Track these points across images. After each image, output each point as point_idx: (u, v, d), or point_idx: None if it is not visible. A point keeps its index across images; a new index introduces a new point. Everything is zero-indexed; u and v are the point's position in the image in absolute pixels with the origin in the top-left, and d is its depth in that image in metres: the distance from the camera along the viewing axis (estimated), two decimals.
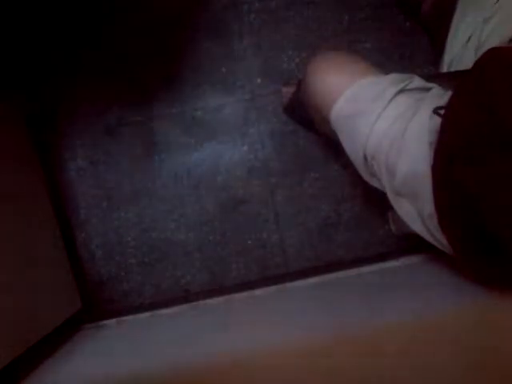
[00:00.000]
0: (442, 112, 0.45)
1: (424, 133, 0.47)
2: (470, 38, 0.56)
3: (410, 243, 1.00)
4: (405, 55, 1.02)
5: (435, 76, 0.59)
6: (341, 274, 0.90)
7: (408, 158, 0.49)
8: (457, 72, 0.58)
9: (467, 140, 0.40)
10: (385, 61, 1.01)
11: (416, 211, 0.51)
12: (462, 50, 0.58)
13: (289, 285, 0.92)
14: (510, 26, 0.52)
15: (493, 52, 0.42)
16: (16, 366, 0.69)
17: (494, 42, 0.53)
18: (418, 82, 0.54)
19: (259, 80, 1.03)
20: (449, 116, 0.44)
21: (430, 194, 0.47)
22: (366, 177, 0.59)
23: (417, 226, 0.53)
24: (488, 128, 0.38)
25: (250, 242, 1.04)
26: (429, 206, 0.48)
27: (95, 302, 1.03)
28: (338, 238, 1.04)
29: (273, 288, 0.92)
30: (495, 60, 0.41)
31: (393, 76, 0.55)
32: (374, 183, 0.59)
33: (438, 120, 0.46)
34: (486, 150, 0.38)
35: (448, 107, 0.45)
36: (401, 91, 0.53)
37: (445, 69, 0.61)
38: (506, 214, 0.38)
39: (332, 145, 0.99)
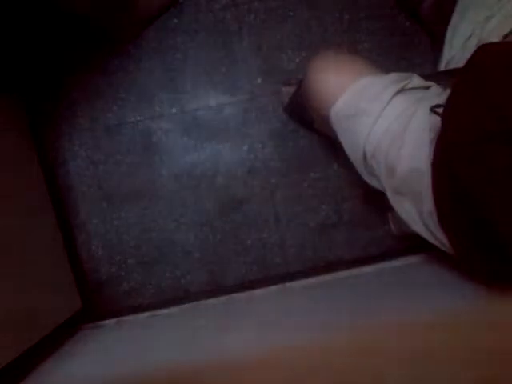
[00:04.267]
0: (439, 110, 0.45)
1: (424, 131, 0.47)
2: (469, 37, 0.56)
3: (410, 243, 1.00)
4: (404, 55, 1.02)
5: (434, 75, 0.59)
6: (341, 274, 0.90)
7: (408, 156, 0.49)
8: (454, 70, 0.58)
9: (467, 137, 0.40)
10: (385, 61, 1.01)
11: (416, 210, 0.51)
12: (461, 49, 0.57)
13: (289, 285, 0.92)
14: (510, 25, 0.52)
15: (485, 48, 0.42)
16: (16, 366, 0.69)
17: (495, 39, 0.52)
18: (417, 80, 0.54)
19: (259, 80, 1.03)
20: (448, 114, 0.44)
21: (430, 192, 0.47)
22: (365, 176, 0.59)
23: (417, 226, 0.53)
24: (487, 123, 0.38)
25: (249, 242, 1.04)
26: (429, 204, 0.48)
27: (95, 302, 1.03)
28: (338, 238, 1.04)
29: (273, 288, 0.92)
30: (489, 56, 0.41)
31: (392, 75, 0.55)
32: (373, 183, 0.59)
33: (437, 118, 0.46)
34: (487, 146, 0.38)
35: (447, 105, 0.45)
36: (400, 90, 0.53)
37: (442, 67, 0.61)
38: (506, 210, 0.38)
39: (332, 145, 0.99)
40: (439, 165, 0.45)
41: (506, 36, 0.51)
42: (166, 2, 0.99)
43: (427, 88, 0.54)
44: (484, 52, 0.42)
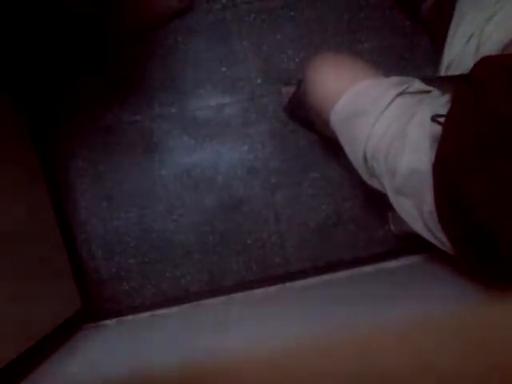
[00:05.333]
0: (440, 119, 0.45)
1: (425, 133, 0.47)
2: (470, 38, 0.56)
3: (410, 243, 1.00)
4: (404, 55, 1.02)
5: (434, 79, 0.59)
6: (341, 274, 0.90)
7: (408, 157, 0.49)
8: (455, 76, 0.58)
9: (469, 146, 0.40)
10: (385, 61, 1.01)
11: (416, 210, 0.51)
12: (461, 50, 0.57)
13: (289, 285, 0.92)
14: (510, 26, 0.52)
15: (486, 61, 0.43)
16: (16, 365, 0.69)
17: (495, 42, 0.52)
18: (418, 85, 0.54)
19: (259, 80, 1.03)
20: (449, 124, 0.44)
21: (431, 192, 0.47)
22: (365, 177, 0.59)
23: (417, 225, 0.53)
24: (488, 135, 0.38)
25: (249, 242, 1.04)
26: (429, 204, 0.48)
27: (95, 302, 1.03)
28: (338, 238, 1.04)
29: (273, 288, 0.92)
30: (490, 68, 0.41)
31: (393, 78, 0.55)
32: (373, 184, 0.59)
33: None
34: (487, 157, 0.38)
35: (448, 116, 0.45)
36: (401, 93, 0.53)
37: (443, 69, 0.61)
38: (505, 215, 0.38)
39: (332, 145, 0.99)
40: (440, 168, 0.45)
41: (505, 46, 0.51)
42: (175, 9, 0.99)
43: (428, 92, 0.54)
44: (485, 65, 0.42)
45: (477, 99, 0.41)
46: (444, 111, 0.45)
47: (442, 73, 0.61)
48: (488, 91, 0.39)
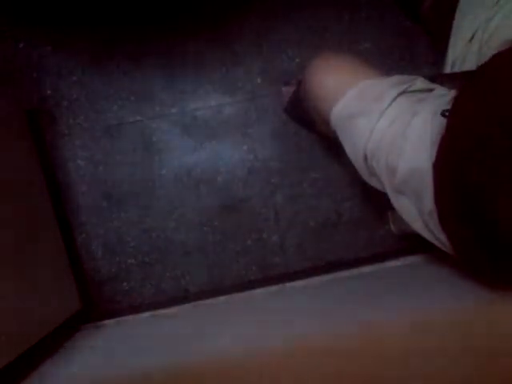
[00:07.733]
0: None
1: (426, 132, 0.47)
2: (472, 37, 0.56)
3: (410, 243, 1.00)
4: (405, 55, 1.02)
5: (438, 77, 0.59)
6: (341, 274, 0.90)
7: (409, 156, 0.49)
8: (461, 73, 0.58)
9: (477, 140, 0.40)
10: (385, 61, 1.01)
11: (416, 209, 0.51)
12: (464, 49, 0.57)
13: (289, 285, 0.92)
14: (511, 25, 0.52)
15: (502, 55, 0.42)
16: (16, 365, 0.69)
17: (497, 41, 0.52)
18: (420, 83, 0.54)
19: (259, 80, 1.03)
20: (456, 116, 0.44)
21: (431, 192, 0.47)
22: (365, 177, 0.59)
23: (417, 225, 0.53)
24: (499, 128, 0.38)
25: (249, 242, 1.04)
26: (429, 204, 0.48)
27: (95, 302, 1.03)
28: (338, 237, 1.04)
29: (273, 288, 0.92)
30: (505, 61, 0.41)
31: (395, 77, 0.55)
32: (373, 183, 0.59)
33: (440, 120, 0.46)
34: (494, 150, 0.38)
35: (455, 107, 0.44)
36: (402, 93, 0.53)
37: (448, 69, 0.61)
38: (507, 210, 0.38)
39: (332, 145, 0.99)
40: (442, 166, 0.45)
41: (507, 45, 0.51)
42: None
43: (431, 90, 0.53)
44: (500, 59, 0.42)
45: (487, 90, 0.40)
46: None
47: (448, 71, 0.61)
48: (499, 83, 0.39)
